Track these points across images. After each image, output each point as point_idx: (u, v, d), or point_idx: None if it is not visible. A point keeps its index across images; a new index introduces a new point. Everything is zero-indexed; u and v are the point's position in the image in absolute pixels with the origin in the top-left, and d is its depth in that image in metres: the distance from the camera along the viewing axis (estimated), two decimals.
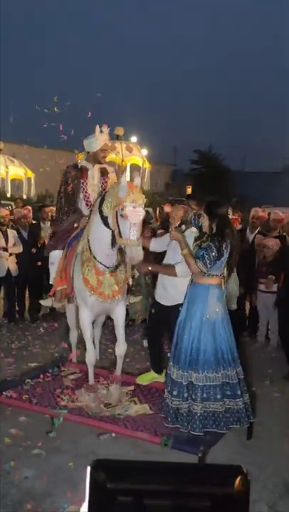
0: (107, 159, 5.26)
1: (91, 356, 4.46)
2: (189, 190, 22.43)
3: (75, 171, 4.78)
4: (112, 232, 3.99)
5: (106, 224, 4.01)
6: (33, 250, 7.61)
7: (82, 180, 4.75)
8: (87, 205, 4.76)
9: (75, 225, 4.70)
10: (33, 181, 11.93)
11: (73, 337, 5.38)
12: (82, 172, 4.76)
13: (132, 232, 3.78)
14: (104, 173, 4.83)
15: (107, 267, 4.21)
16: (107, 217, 3.99)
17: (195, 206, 4.71)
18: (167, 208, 10.67)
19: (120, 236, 3.87)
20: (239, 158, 41.39)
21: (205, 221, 3.92)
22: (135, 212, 3.77)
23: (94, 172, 4.77)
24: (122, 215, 3.79)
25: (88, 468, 1.24)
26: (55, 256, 4.73)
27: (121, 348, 4.49)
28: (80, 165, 4.85)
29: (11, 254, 7.47)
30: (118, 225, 3.87)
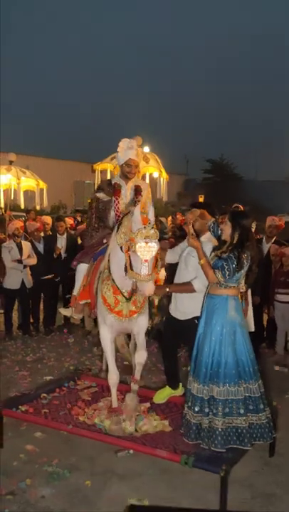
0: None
1: (114, 377, 4.32)
2: (201, 199, 22.36)
3: (108, 188, 4.72)
4: None
5: (122, 250, 3.93)
6: (57, 253, 7.75)
7: (114, 198, 4.68)
8: (116, 222, 4.67)
9: (104, 240, 4.63)
10: (45, 192, 11.93)
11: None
12: (115, 190, 4.69)
13: (142, 269, 3.69)
14: (138, 191, 4.68)
15: (125, 297, 4.11)
16: (121, 246, 3.91)
17: (209, 214, 4.61)
18: (179, 217, 10.65)
19: (131, 269, 3.78)
20: (252, 167, 41.23)
21: (227, 229, 3.83)
22: (147, 248, 3.67)
23: (126, 190, 4.70)
24: (133, 251, 3.71)
25: None
26: (82, 269, 4.67)
27: (141, 354, 4.35)
28: (113, 181, 4.80)
29: (25, 266, 7.44)
30: (130, 258, 3.78)
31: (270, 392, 4.83)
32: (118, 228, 3.97)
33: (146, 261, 3.67)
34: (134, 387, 4.37)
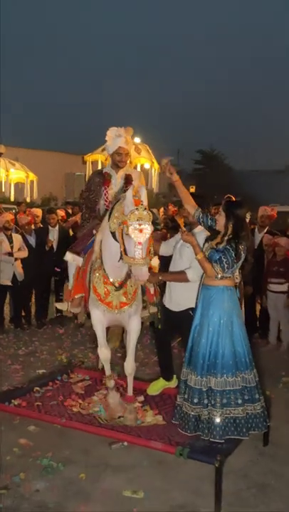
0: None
1: (105, 352, 4.31)
2: (192, 190, 22.34)
3: (98, 177, 4.67)
4: None
5: (115, 238, 3.86)
6: (49, 245, 7.64)
7: (104, 187, 4.63)
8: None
9: (94, 231, 4.57)
10: (35, 184, 11.84)
11: None
12: (106, 179, 4.64)
13: (136, 252, 3.62)
14: (128, 179, 4.63)
15: (115, 286, 4.07)
16: (114, 231, 3.85)
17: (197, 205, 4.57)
18: (171, 208, 10.62)
19: (126, 254, 3.72)
20: (242, 157, 41.26)
21: (221, 220, 3.80)
22: (140, 230, 3.60)
23: (116, 179, 4.65)
24: (126, 234, 3.65)
25: None
26: (70, 259, 4.60)
27: (129, 365, 4.32)
28: (104, 171, 4.74)
29: (16, 259, 7.37)
30: (124, 243, 3.73)
31: (264, 382, 4.84)
32: (110, 215, 3.91)
33: (140, 243, 3.60)
34: (131, 407, 4.31)
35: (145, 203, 3.71)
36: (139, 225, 3.58)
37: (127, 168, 4.75)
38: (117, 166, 4.63)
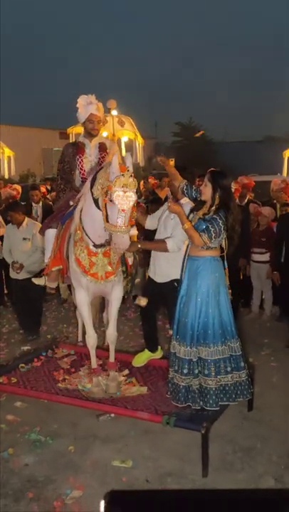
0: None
1: (92, 339, 4.31)
2: (172, 163, 22.19)
3: (72, 148, 4.59)
4: None
5: (97, 206, 3.77)
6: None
7: (77, 157, 4.55)
8: (83, 182, 4.53)
9: (70, 202, 4.49)
10: (13, 160, 11.62)
11: (80, 316, 5.21)
12: (79, 148, 4.55)
13: (119, 219, 3.54)
14: (102, 148, 4.57)
15: (97, 245, 4.01)
16: (98, 199, 3.76)
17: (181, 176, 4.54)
18: (151, 181, 10.54)
19: (107, 221, 3.64)
20: (221, 129, 41.07)
21: (207, 190, 3.77)
22: (125, 197, 3.52)
23: (90, 148, 4.56)
24: (110, 200, 3.56)
25: (102, 504, 1.07)
26: (50, 235, 4.54)
27: (111, 333, 4.35)
28: (77, 141, 4.65)
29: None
30: (106, 209, 3.65)
31: (247, 350, 4.91)
32: (93, 182, 3.82)
33: (123, 210, 3.53)
34: (113, 374, 4.32)
35: (131, 170, 3.64)
36: (124, 192, 3.50)
37: (100, 137, 4.69)
38: (90, 134, 4.55)
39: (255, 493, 1.35)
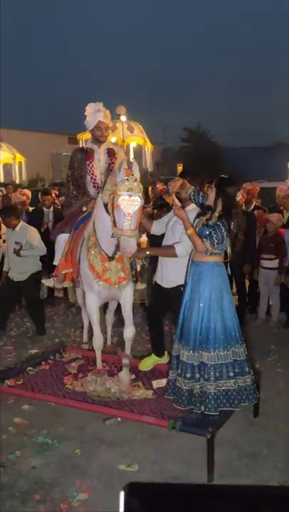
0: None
1: (98, 340, 4.37)
2: (180, 168, 22.23)
3: (80, 153, 4.66)
4: None
5: (107, 210, 3.85)
6: (44, 227, 7.51)
7: (88, 162, 4.62)
8: (94, 187, 4.62)
9: (84, 208, 4.58)
10: (23, 165, 11.71)
11: (85, 317, 5.27)
12: (88, 154, 4.62)
13: (125, 223, 3.62)
14: (111, 153, 4.64)
15: (109, 256, 4.08)
16: (107, 204, 3.84)
17: (189, 183, 4.58)
18: (159, 187, 10.58)
19: (115, 225, 3.72)
20: (229, 134, 41.06)
21: (211, 195, 3.81)
22: (130, 201, 3.59)
23: (100, 154, 4.63)
24: (116, 205, 3.63)
25: (121, 495, 1.09)
26: (62, 239, 4.63)
27: (129, 330, 4.40)
28: (86, 147, 4.72)
29: (4, 241, 7.32)
30: (114, 214, 3.72)
31: (253, 355, 4.93)
32: (103, 188, 3.91)
33: (129, 214, 3.61)
34: (126, 361, 4.39)
35: (136, 174, 3.70)
36: (129, 196, 3.58)
37: (107, 143, 4.76)
38: (98, 140, 4.63)
39: (277, 490, 1.34)
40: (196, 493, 1.13)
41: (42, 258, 7.65)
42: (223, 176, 3.97)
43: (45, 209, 7.81)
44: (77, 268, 4.35)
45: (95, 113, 4.51)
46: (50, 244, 7.19)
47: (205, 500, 1.08)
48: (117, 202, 3.60)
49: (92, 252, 4.12)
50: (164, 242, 4.48)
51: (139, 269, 4.54)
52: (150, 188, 11.17)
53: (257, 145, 34.23)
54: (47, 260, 7.78)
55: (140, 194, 3.66)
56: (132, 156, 10.08)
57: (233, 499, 1.09)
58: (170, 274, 4.39)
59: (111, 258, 4.09)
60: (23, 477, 3.47)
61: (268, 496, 1.13)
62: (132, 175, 3.64)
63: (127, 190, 3.58)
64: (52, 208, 7.86)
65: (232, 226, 3.75)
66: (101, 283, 4.14)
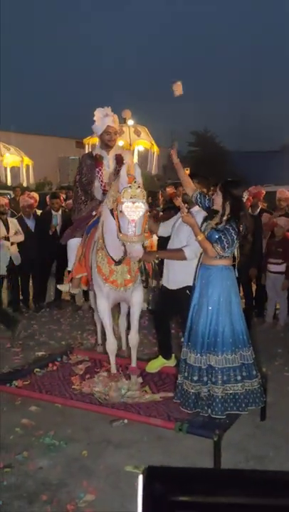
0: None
1: (111, 344, 4.38)
2: (188, 172, 22.24)
3: (90, 160, 4.69)
4: None
5: (113, 215, 3.88)
6: (52, 230, 7.57)
7: (97, 169, 4.66)
8: (104, 193, 4.64)
9: (94, 213, 4.61)
10: (31, 168, 11.74)
11: (98, 320, 5.27)
12: (97, 160, 4.66)
13: (130, 229, 3.65)
14: (119, 160, 4.65)
15: (115, 261, 4.11)
16: (112, 209, 3.87)
17: (197, 185, 4.60)
18: (170, 190, 10.61)
19: (120, 231, 3.75)
20: (237, 138, 41.07)
21: (218, 199, 3.82)
22: (134, 208, 3.62)
23: (108, 160, 4.65)
24: (120, 211, 3.66)
25: (140, 478, 1.09)
26: (74, 244, 4.67)
27: (133, 337, 4.41)
28: (94, 153, 4.75)
29: (12, 243, 7.38)
30: (118, 220, 3.74)
31: (260, 359, 4.93)
32: (108, 194, 3.95)
33: (133, 221, 3.64)
34: (135, 379, 4.38)
35: (139, 180, 3.72)
36: (133, 202, 3.61)
37: (116, 148, 4.78)
38: (107, 145, 4.66)
39: None
40: (214, 477, 1.14)
41: (52, 260, 7.71)
42: (228, 179, 3.98)
43: (53, 212, 7.86)
44: (91, 271, 4.38)
45: (103, 118, 4.55)
46: (59, 249, 7.29)
47: (223, 485, 1.08)
48: (121, 209, 3.63)
49: (100, 255, 4.16)
50: (170, 243, 4.50)
51: (150, 272, 4.55)
52: (160, 192, 11.22)
53: (265, 149, 34.19)
54: (57, 265, 7.86)
55: (144, 200, 3.69)
56: (136, 159, 10.10)
57: (255, 483, 1.09)
58: (176, 275, 4.39)
59: (117, 263, 4.11)
60: (30, 478, 3.48)
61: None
62: (135, 181, 3.67)
63: (130, 197, 3.61)
64: (60, 211, 7.90)
65: (241, 228, 3.76)
66: (107, 285, 4.17)
